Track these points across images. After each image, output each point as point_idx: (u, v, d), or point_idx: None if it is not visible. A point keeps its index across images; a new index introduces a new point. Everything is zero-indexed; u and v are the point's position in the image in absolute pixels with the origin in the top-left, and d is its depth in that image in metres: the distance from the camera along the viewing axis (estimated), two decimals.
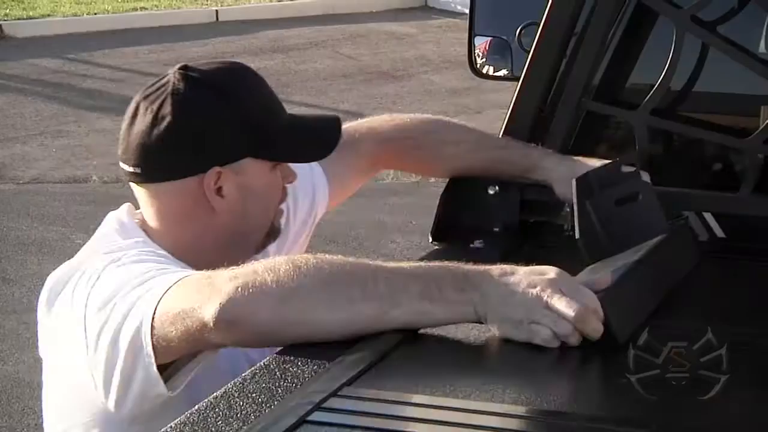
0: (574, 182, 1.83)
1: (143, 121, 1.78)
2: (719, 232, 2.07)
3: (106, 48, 10.33)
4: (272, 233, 1.88)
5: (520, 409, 1.40)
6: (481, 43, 2.58)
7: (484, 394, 1.42)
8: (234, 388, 1.44)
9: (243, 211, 1.82)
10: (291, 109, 1.91)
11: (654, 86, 2.00)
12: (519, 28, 2.42)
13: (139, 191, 1.84)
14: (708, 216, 2.07)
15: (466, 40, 2.55)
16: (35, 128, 8.05)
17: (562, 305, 1.47)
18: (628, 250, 1.77)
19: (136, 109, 1.80)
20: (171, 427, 1.36)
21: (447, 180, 2.13)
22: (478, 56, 2.59)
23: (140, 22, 11.47)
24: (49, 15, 11.52)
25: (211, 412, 1.38)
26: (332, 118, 1.93)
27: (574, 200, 1.81)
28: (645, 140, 2.02)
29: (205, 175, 1.78)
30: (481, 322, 1.53)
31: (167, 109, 1.77)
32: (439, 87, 9.38)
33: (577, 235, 1.79)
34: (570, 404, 1.42)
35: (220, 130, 1.78)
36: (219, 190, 1.79)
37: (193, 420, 1.37)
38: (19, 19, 11.31)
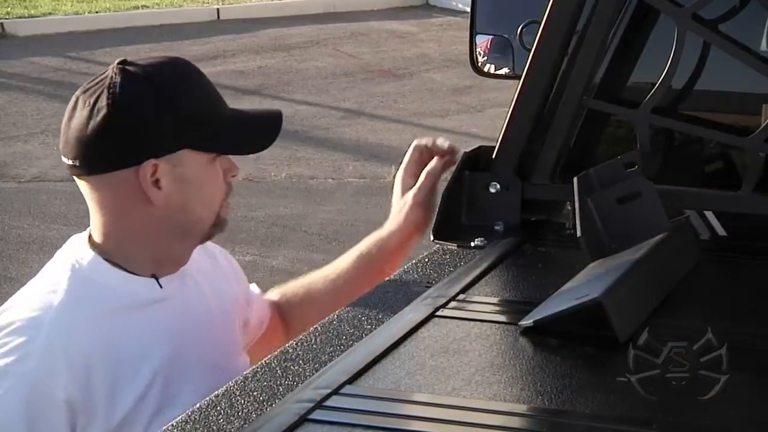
0: (575, 180, 1.83)
1: (81, 114, 1.81)
2: (721, 231, 2.07)
3: (108, 46, 10.34)
4: (219, 224, 1.91)
5: (521, 408, 1.40)
6: (483, 41, 2.58)
7: (486, 392, 1.42)
8: (235, 387, 1.44)
9: (182, 203, 1.84)
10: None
11: (655, 85, 2.00)
12: (520, 27, 2.42)
13: (81, 185, 1.87)
14: (709, 214, 2.07)
15: (468, 39, 2.54)
16: (36, 127, 8.06)
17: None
18: (630, 249, 1.76)
19: (76, 102, 1.84)
20: (172, 425, 1.36)
21: (448, 178, 2.13)
22: (480, 54, 2.59)
23: (141, 20, 11.47)
24: (50, 13, 11.52)
25: (213, 411, 1.38)
26: (274, 112, 1.97)
27: (576, 198, 1.81)
28: (646, 138, 2.02)
29: (140, 167, 1.80)
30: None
31: (103, 102, 1.79)
32: (441, 85, 9.38)
33: (578, 234, 1.79)
34: (571, 403, 1.42)
35: (155, 122, 1.80)
36: (157, 182, 1.81)
37: (195, 418, 1.37)
38: (20, 17, 11.31)
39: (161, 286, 1.88)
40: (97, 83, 1.83)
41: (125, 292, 1.86)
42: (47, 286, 1.84)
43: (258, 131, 1.92)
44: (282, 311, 2.18)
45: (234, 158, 1.92)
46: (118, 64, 1.85)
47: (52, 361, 1.77)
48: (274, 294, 2.21)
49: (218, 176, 1.88)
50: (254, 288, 2.19)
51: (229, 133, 1.86)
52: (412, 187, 2.10)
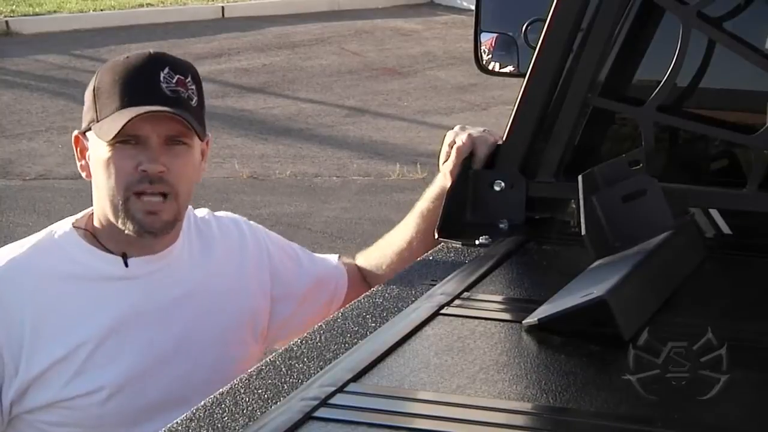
0: (580, 178, 1.83)
1: None
2: (725, 229, 2.07)
3: (112, 44, 10.33)
4: (133, 221, 1.94)
5: (525, 406, 1.40)
6: (487, 39, 2.58)
7: (490, 390, 1.42)
8: (240, 384, 1.44)
9: (94, 178, 1.99)
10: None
11: (660, 82, 2.00)
12: (525, 25, 2.42)
13: None
14: (714, 212, 2.07)
15: (472, 37, 2.54)
16: (41, 124, 8.06)
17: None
18: (634, 247, 1.76)
19: None
20: (177, 422, 1.36)
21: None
22: (484, 52, 2.59)
23: (146, 18, 11.47)
24: (55, 11, 11.53)
25: (217, 408, 1.38)
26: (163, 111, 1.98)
27: (580, 196, 1.81)
28: (651, 136, 2.02)
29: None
30: None
31: None
32: (445, 83, 9.37)
33: (583, 232, 1.79)
34: (576, 401, 1.42)
35: (85, 100, 2.01)
36: (86, 157, 2.01)
37: (199, 416, 1.37)
38: (25, 15, 11.31)
39: (127, 266, 1.97)
40: None
41: (83, 264, 1.98)
42: (17, 244, 2.02)
43: (120, 120, 1.95)
44: (366, 276, 2.24)
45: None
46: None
47: None
48: (360, 258, 2.27)
49: (121, 161, 1.93)
50: (330, 260, 2.25)
51: (107, 121, 1.94)
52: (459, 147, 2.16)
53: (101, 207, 1.99)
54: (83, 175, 2.02)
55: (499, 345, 1.60)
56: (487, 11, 2.53)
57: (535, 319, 1.59)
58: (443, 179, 2.15)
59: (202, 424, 1.35)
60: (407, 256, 2.14)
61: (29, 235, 2.03)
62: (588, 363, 1.51)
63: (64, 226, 2.03)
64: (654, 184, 1.88)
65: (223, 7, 11.92)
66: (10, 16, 11.20)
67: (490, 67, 2.61)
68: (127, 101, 1.94)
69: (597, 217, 1.81)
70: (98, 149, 1.96)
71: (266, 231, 2.20)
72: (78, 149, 2.03)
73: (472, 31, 2.54)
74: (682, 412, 1.36)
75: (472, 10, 2.57)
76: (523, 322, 1.60)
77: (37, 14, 11.38)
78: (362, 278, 2.24)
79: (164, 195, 1.93)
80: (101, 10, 11.63)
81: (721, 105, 2.23)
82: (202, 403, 1.40)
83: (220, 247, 2.08)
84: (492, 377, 1.45)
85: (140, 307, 1.98)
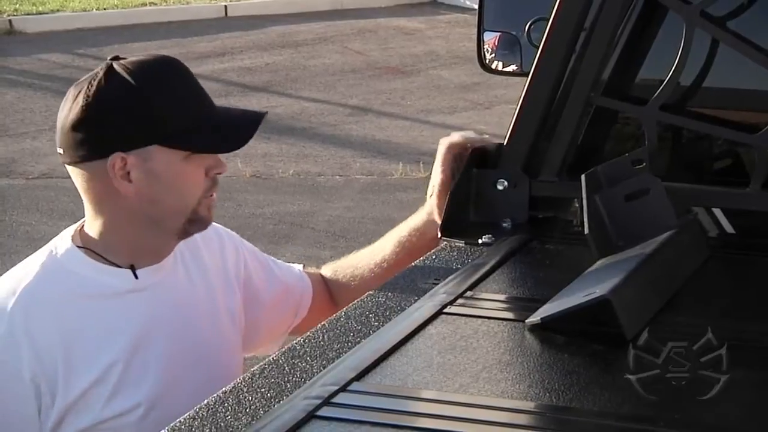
0: (583, 177, 1.83)
1: (66, 105, 1.92)
2: (729, 228, 2.06)
3: (116, 43, 10.33)
4: (196, 221, 1.95)
5: (527, 405, 1.40)
6: (490, 38, 2.58)
7: (493, 389, 1.42)
8: (243, 383, 1.44)
9: (152, 196, 1.91)
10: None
11: (663, 81, 2.00)
12: (528, 24, 2.42)
13: (69, 172, 1.98)
14: (717, 212, 2.07)
15: (475, 36, 2.54)
16: (45, 123, 8.06)
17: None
18: (637, 246, 1.76)
19: (67, 95, 1.95)
20: (180, 421, 1.36)
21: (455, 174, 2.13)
22: (487, 51, 2.59)
23: (149, 17, 11.48)
24: (58, 10, 11.53)
25: (220, 407, 1.38)
26: (256, 115, 2.00)
27: (583, 195, 1.81)
28: (654, 135, 2.02)
29: (108, 160, 1.88)
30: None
31: (83, 95, 1.90)
32: (448, 82, 9.37)
33: (586, 231, 1.79)
34: (579, 400, 1.42)
35: (125, 117, 1.88)
36: (128, 175, 1.89)
37: (202, 415, 1.37)
38: (28, 14, 11.32)
39: (137, 277, 1.95)
40: (87, 78, 1.92)
41: (95, 281, 1.94)
42: (20, 271, 1.96)
43: (232, 132, 1.95)
44: (331, 288, 2.24)
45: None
46: (110, 59, 1.93)
47: (15, 344, 1.88)
48: (327, 270, 2.26)
49: (194, 173, 1.92)
50: (295, 269, 2.24)
51: (201, 133, 1.91)
52: (443, 180, 2.11)
53: (143, 220, 1.92)
54: (128, 194, 1.89)
55: (502, 344, 1.60)
56: (491, 10, 2.53)
57: (538, 318, 1.59)
58: (428, 209, 2.13)
59: (206, 423, 1.35)
60: (379, 274, 2.12)
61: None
62: (591, 362, 1.51)
63: (63, 244, 1.97)
64: (657, 184, 1.88)
65: (226, 6, 11.92)
66: (14, 15, 11.20)
67: (493, 66, 2.61)
68: (208, 111, 1.93)
69: (600, 216, 1.81)
70: (169, 163, 1.89)
71: (238, 236, 2.20)
72: (114, 170, 1.88)
73: (475, 30, 2.54)
74: (685, 412, 1.36)
75: (475, 9, 2.57)
76: (526, 321, 1.60)
77: (40, 13, 11.38)
78: (326, 289, 2.23)
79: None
80: (104, 9, 11.63)
81: (724, 104, 2.23)
82: (205, 402, 1.40)
83: (204, 251, 2.08)
84: (495, 376, 1.46)
85: (155, 318, 1.96)
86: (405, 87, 9.25)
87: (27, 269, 1.96)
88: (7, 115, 8.39)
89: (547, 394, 1.41)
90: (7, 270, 2.03)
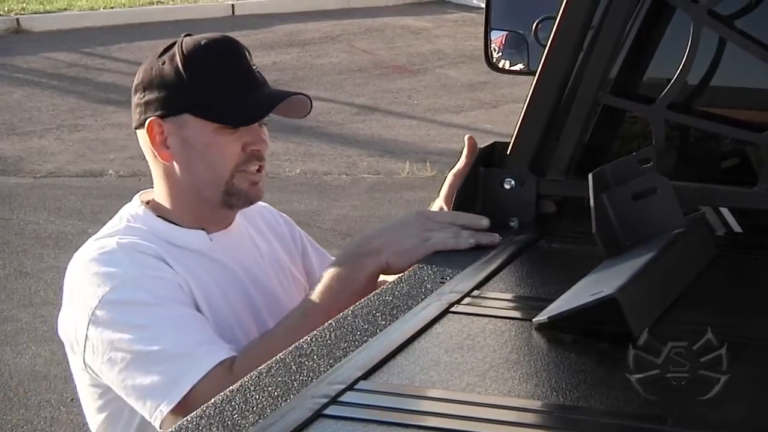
0: (590, 176, 1.83)
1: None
2: (736, 227, 2.06)
3: (123, 42, 10.36)
4: (235, 194, 2.03)
5: (535, 404, 1.40)
6: (498, 37, 2.58)
7: (500, 388, 1.42)
8: (250, 382, 1.44)
9: (187, 164, 2.03)
10: None
11: (671, 80, 1.99)
12: (535, 23, 2.42)
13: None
14: (725, 211, 2.07)
15: (482, 35, 2.54)
16: (52, 122, 8.08)
17: (440, 216, 1.94)
18: (645, 245, 1.76)
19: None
20: (187, 420, 1.36)
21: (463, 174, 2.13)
22: (495, 50, 2.59)
23: (156, 16, 11.50)
24: (65, 9, 11.55)
25: (227, 406, 1.38)
26: (291, 93, 2.09)
27: (591, 194, 1.81)
28: (661, 134, 2.02)
29: (146, 123, 2.03)
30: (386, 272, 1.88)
31: (144, 65, 2.07)
32: (455, 81, 9.37)
33: (593, 230, 1.79)
34: (586, 399, 1.41)
35: (163, 86, 2.02)
36: (166, 141, 2.02)
37: (209, 414, 1.37)
38: (35, 13, 11.35)
39: (211, 240, 2.06)
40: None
41: (180, 237, 2.03)
42: (105, 234, 2.04)
43: (257, 108, 2.02)
44: None
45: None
46: (183, 36, 2.08)
47: (158, 264, 1.98)
48: None
49: (227, 145, 2.00)
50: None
51: (231, 108, 1.99)
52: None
53: (187, 187, 2.03)
54: (165, 160, 2.03)
55: (509, 343, 1.60)
56: (498, 9, 2.53)
57: (546, 317, 1.58)
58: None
59: (213, 422, 1.35)
60: None
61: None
62: (599, 361, 1.51)
63: (136, 210, 2.06)
64: (664, 183, 1.87)
65: (233, 5, 11.94)
66: (21, 14, 11.23)
67: (501, 65, 2.61)
68: (245, 87, 2.01)
69: (607, 215, 1.81)
70: (200, 133, 2.00)
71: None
72: (153, 135, 2.03)
73: (482, 29, 2.55)
74: (693, 410, 1.36)
75: (483, 8, 2.57)
76: (534, 320, 1.60)
77: (47, 12, 11.41)
78: None
79: (260, 168, 2.04)
80: (111, 7, 11.65)
81: (731, 103, 2.23)
82: (213, 400, 1.40)
83: (261, 223, 2.19)
84: (502, 375, 1.45)
85: (232, 280, 2.04)
86: (412, 86, 9.26)
87: (112, 229, 2.04)
88: (15, 113, 8.41)
89: (555, 393, 1.41)
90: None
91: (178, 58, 2.01)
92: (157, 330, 1.89)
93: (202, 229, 2.06)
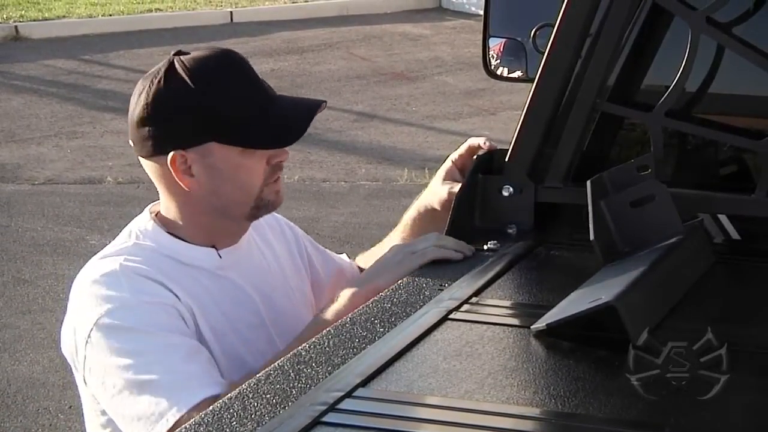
0: (589, 183, 1.83)
1: (133, 100, 1.98)
2: (734, 234, 2.06)
3: (121, 49, 10.36)
4: (263, 206, 2.02)
5: (534, 411, 1.40)
6: (496, 44, 2.58)
7: (499, 395, 1.42)
8: (248, 389, 1.44)
9: (214, 188, 1.98)
10: None
11: (669, 87, 2.00)
12: (533, 30, 2.42)
13: (141, 162, 2.04)
14: (723, 218, 2.07)
15: (481, 42, 2.54)
16: (50, 129, 8.07)
17: (422, 241, 1.97)
18: (643, 252, 1.76)
19: (136, 87, 2.00)
20: (185, 427, 1.36)
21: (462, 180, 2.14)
22: (493, 57, 2.59)
23: (155, 23, 11.50)
24: (64, 16, 11.55)
25: (226, 413, 1.38)
26: (312, 104, 2.07)
27: (589, 201, 1.81)
28: (660, 142, 2.02)
29: (168, 157, 1.95)
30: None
31: (145, 93, 1.95)
32: (453, 88, 9.37)
33: (591, 237, 1.79)
34: (585, 406, 1.41)
35: (184, 116, 1.94)
36: (189, 169, 1.96)
37: (208, 421, 1.37)
38: (34, 20, 11.34)
39: (220, 257, 2.03)
40: (152, 72, 1.98)
41: (188, 255, 2.01)
42: (112, 252, 1.99)
43: (284, 128, 2.00)
44: None
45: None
46: (174, 54, 1.98)
47: (157, 289, 1.95)
48: (361, 260, 2.35)
49: (254, 164, 1.98)
50: (343, 256, 2.36)
51: (255, 129, 1.96)
52: (454, 176, 2.18)
53: (208, 209, 1.99)
54: (191, 188, 1.97)
55: (508, 350, 1.60)
56: (496, 16, 2.53)
57: (544, 324, 1.58)
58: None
59: (211, 429, 1.35)
60: None
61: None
62: (596, 368, 1.51)
63: (146, 225, 2.03)
64: (662, 190, 1.88)
65: (231, 12, 11.94)
66: (20, 21, 11.23)
67: (499, 72, 2.61)
68: (264, 105, 1.97)
69: (606, 222, 1.81)
70: (227, 158, 1.95)
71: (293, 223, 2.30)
72: (176, 167, 1.95)
73: (480, 36, 2.55)
74: (690, 417, 1.36)
75: (481, 15, 2.57)
76: (532, 327, 1.60)
77: (46, 19, 11.41)
78: None
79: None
80: (110, 15, 11.65)
81: (730, 110, 2.23)
82: (211, 408, 1.40)
83: (271, 236, 2.18)
84: (500, 382, 1.45)
85: (238, 297, 2.03)
86: (410, 93, 9.26)
87: (118, 247, 2.00)
88: (13, 120, 8.41)
89: (553, 401, 1.41)
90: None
91: (187, 83, 1.93)
92: (148, 358, 1.88)
93: (212, 246, 2.03)
